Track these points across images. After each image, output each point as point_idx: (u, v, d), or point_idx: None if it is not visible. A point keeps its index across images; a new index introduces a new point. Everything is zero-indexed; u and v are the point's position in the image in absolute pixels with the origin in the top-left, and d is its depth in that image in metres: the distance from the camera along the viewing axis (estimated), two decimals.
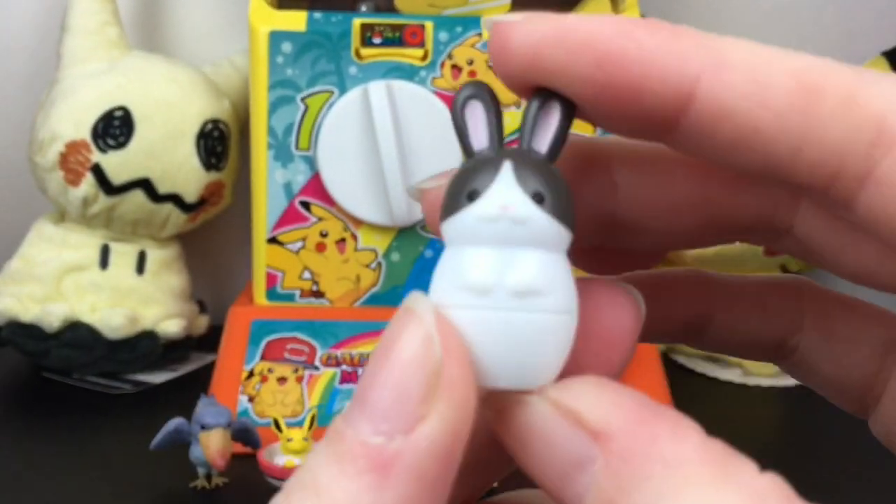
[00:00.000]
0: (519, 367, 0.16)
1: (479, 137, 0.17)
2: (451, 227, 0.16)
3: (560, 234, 0.16)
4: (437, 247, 0.55)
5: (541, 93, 0.17)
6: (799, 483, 0.14)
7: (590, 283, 0.18)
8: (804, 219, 0.19)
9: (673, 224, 0.19)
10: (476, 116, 0.17)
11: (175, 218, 0.59)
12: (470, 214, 0.16)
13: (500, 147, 0.17)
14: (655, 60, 0.16)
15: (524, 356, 0.16)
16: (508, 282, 0.15)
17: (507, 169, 0.16)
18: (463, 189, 0.16)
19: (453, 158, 0.53)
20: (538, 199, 0.16)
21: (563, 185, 0.16)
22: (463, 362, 0.15)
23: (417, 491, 0.15)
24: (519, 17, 0.17)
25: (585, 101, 0.16)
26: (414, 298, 0.16)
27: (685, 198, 0.19)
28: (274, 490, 0.23)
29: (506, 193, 0.16)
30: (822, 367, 0.21)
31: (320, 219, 0.55)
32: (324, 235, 0.55)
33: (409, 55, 0.53)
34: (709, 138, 0.16)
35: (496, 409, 0.16)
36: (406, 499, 0.14)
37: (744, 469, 0.14)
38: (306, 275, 0.56)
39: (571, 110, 0.17)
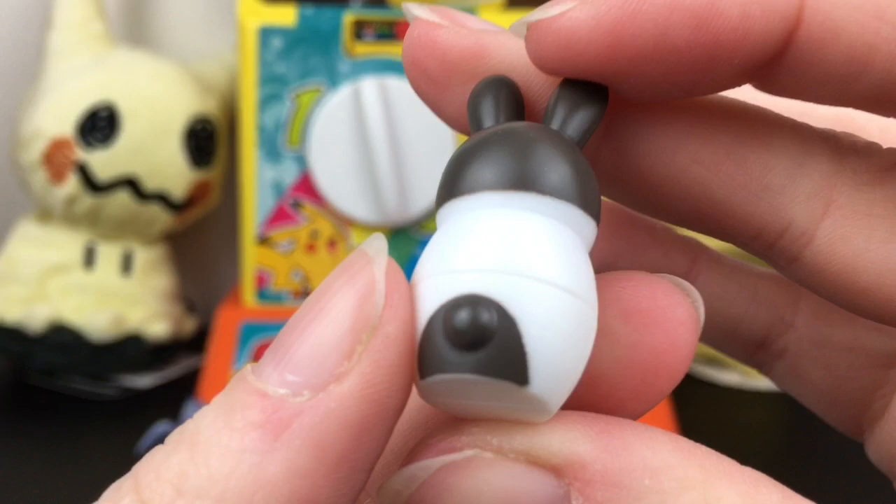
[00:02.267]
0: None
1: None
2: (447, 212, 0.14)
3: (577, 215, 0.13)
4: None
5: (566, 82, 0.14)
6: (800, 487, 0.13)
7: (626, 281, 0.14)
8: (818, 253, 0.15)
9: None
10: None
11: (162, 217, 0.58)
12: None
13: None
14: None
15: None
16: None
17: None
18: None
19: (447, 156, 0.52)
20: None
21: (583, 163, 0.14)
22: (406, 321, 0.12)
23: (313, 461, 0.12)
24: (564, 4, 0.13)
25: (671, 75, 0.13)
26: (371, 240, 0.13)
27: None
28: None
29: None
30: (812, 375, 0.19)
31: (311, 218, 0.54)
32: (315, 235, 0.54)
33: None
34: (813, 68, 0.13)
35: (418, 487, 0.13)
36: (297, 469, 0.11)
37: (725, 461, 0.13)
38: (297, 275, 0.55)
39: (604, 97, 0.14)
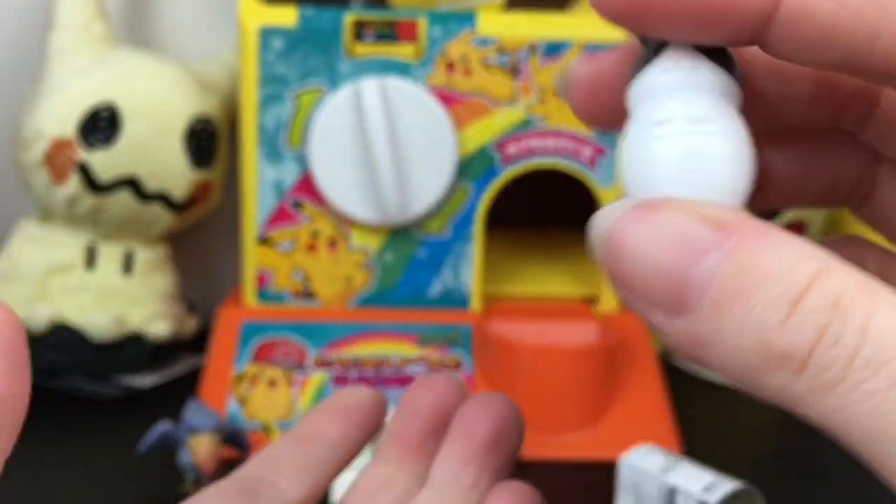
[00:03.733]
0: (709, 187, 0.17)
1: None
2: (637, 87, 0.19)
3: (729, 85, 0.18)
4: (430, 248, 0.55)
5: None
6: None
7: None
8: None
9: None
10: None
11: (163, 217, 0.58)
12: (651, 68, 0.18)
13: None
14: None
15: (709, 176, 0.17)
16: (685, 112, 0.18)
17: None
18: (643, 58, 0.19)
19: (447, 156, 0.53)
20: (710, 55, 0.18)
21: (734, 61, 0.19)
22: None
23: None
24: None
25: (687, 30, 0.18)
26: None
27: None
28: None
29: (680, 50, 0.18)
30: None
31: (311, 218, 0.54)
32: (315, 235, 0.54)
33: (403, 52, 0.52)
34: (793, 39, 0.18)
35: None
36: None
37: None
38: (297, 275, 0.55)
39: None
